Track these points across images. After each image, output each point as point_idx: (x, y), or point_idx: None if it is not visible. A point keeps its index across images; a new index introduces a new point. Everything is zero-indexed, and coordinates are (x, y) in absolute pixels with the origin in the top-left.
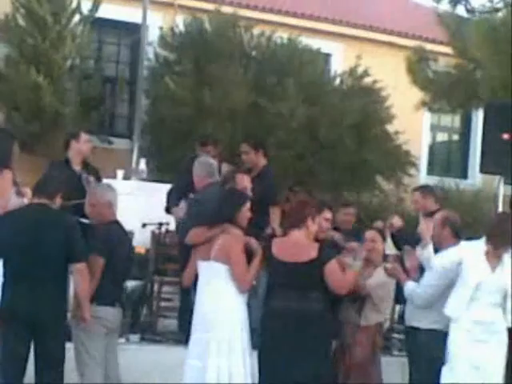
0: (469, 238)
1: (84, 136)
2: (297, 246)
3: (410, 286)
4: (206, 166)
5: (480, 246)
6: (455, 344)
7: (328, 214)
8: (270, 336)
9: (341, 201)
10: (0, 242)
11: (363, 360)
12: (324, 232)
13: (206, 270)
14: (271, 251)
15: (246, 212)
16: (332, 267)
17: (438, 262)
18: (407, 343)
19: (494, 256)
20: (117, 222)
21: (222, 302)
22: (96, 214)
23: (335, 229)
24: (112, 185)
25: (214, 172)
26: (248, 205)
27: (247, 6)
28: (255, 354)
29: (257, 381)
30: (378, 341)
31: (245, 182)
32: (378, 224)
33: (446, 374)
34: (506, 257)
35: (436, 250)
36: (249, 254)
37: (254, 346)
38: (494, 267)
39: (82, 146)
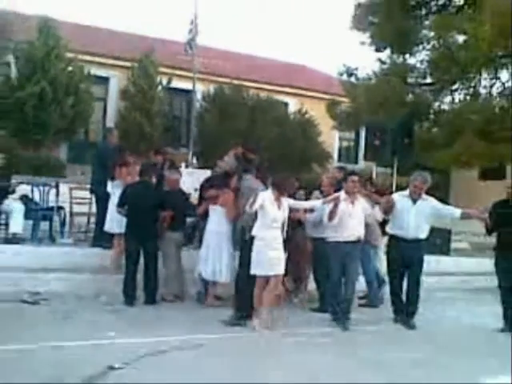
0: None
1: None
2: None
3: None
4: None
5: (270, 193)
6: (259, 251)
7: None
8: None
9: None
10: (127, 200)
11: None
12: None
13: (215, 210)
14: None
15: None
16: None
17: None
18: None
19: (278, 199)
20: (180, 190)
21: (218, 227)
22: (169, 185)
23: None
24: (180, 170)
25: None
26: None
27: (246, 79)
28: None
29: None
30: None
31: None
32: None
33: (254, 266)
34: (285, 199)
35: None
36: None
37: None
38: (279, 206)
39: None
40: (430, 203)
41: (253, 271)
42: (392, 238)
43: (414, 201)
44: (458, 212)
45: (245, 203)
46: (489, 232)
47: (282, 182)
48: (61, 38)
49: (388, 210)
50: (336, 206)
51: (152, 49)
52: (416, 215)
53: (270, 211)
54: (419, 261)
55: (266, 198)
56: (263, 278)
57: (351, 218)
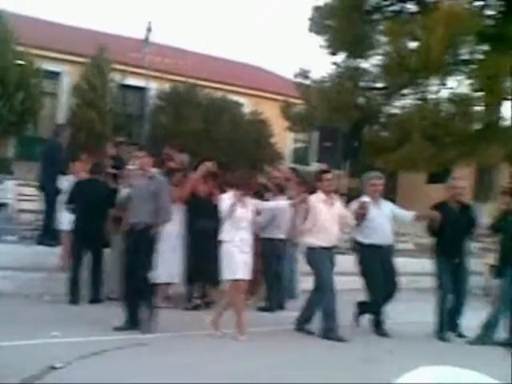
0: None
1: (109, 144)
2: None
3: None
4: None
5: (231, 194)
6: (230, 254)
7: None
8: None
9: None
10: (76, 198)
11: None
12: None
13: None
14: None
15: None
16: None
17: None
18: None
19: (240, 200)
20: None
21: (172, 226)
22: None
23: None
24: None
25: None
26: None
27: (201, 79)
28: None
29: None
30: None
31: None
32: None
33: (225, 271)
34: (248, 199)
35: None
36: None
37: None
38: (242, 206)
39: (108, 149)
40: (388, 205)
41: (225, 276)
42: (367, 247)
43: (377, 204)
44: (411, 215)
45: None
46: (433, 234)
47: (242, 181)
48: (11, 31)
49: (360, 216)
50: (307, 210)
51: (105, 45)
52: (385, 219)
53: (237, 211)
54: (394, 265)
55: (227, 199)
56: (238, 281)
57: (332, 221)
